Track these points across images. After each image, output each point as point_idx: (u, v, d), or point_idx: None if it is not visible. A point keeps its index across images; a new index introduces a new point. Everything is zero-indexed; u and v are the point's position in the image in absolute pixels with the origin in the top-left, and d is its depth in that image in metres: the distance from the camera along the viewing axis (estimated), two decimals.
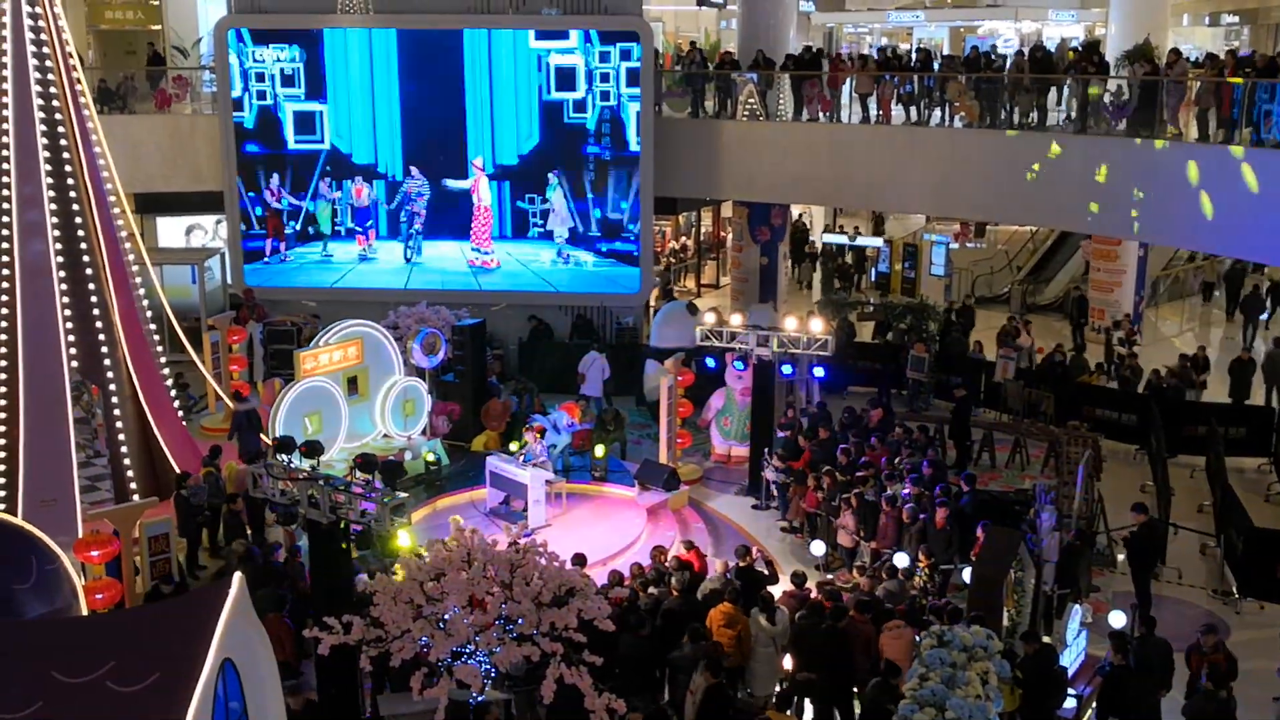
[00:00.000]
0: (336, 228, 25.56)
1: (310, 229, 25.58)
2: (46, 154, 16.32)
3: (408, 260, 25.64)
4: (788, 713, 11.84)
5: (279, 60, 24.72)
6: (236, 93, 24.82)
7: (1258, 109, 19.57)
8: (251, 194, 25.32)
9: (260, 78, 24.80)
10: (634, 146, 24.72)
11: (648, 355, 23.67)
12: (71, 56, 16.87)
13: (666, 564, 14.92)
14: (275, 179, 25.30)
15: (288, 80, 24.81)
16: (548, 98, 24.72)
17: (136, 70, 27.77)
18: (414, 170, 25.34)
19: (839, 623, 12.93)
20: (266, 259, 25.60)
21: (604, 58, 24.46)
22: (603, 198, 25.13)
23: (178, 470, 17.14)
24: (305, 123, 25.04)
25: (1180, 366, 22.64)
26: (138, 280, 17.95)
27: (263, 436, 19.33)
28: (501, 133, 25.03)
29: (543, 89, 24.70)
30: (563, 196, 25.22)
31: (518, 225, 25.46)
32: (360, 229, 25.57)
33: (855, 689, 12.72)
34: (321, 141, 25.14)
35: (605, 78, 24.55)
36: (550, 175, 25.19)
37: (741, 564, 14.71)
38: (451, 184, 25.32)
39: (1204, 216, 19.91)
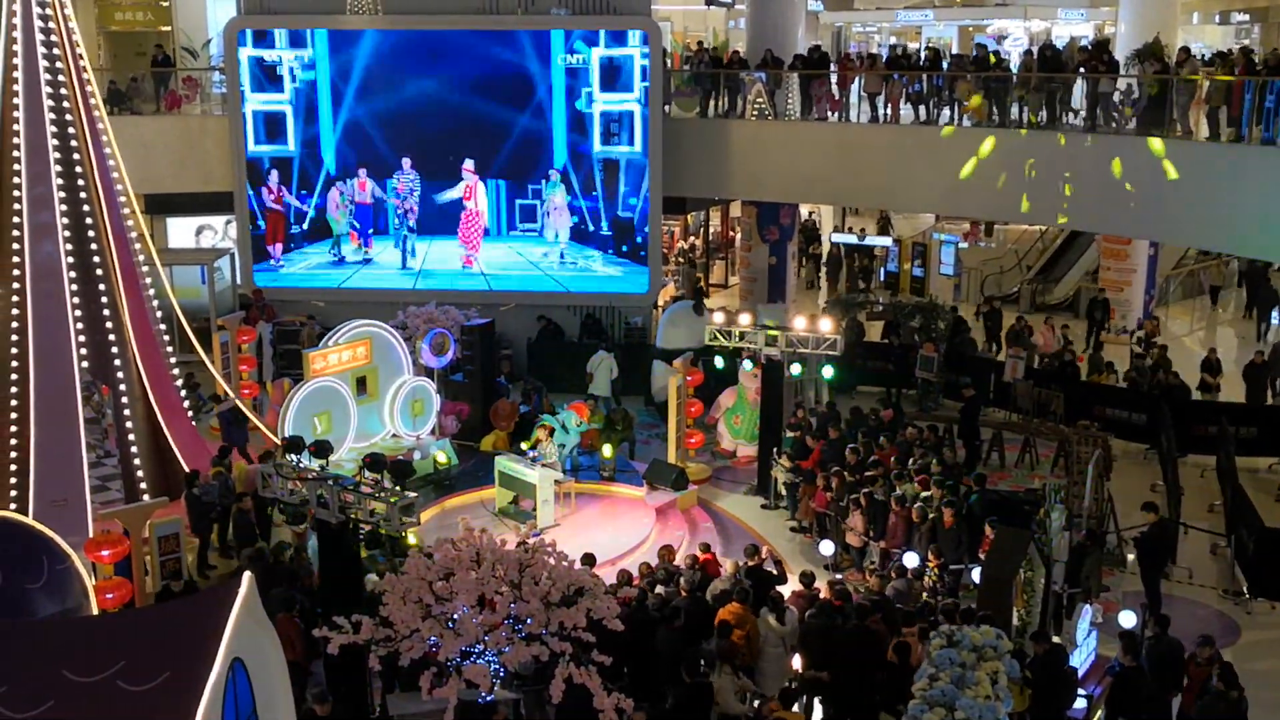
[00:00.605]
0: (351, 226, 25.61)
1: (315, 224, 25.63)
2: (57, 155, 16.37)
3: (405, 266, 25.62)
4: (794, 709, 11.80)
5: (288, 60, 24.77)
6: (246, 91, 24.90)
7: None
8: (261, 201, 25.40)
9: (270, 77, 24.84)
10: (643, 145, 24.70)
11: (655, 356, 23.68)
12: (82, 58, 16.90)
13: (680, 563, 14.93)
14: (274, 175, 25.29)
15: (295, 78, 24.85)
16: (560, 96, 24.79)
17: (143, 72, 27.79)
18: (405, 164, 25.26)
19: (865, 621, 12.91)
20: (272, 261, 25.66)
21: (615, 56, 24.47)
22: (613, 197, 25.11)
23: (187, 470, 17.17)
24: (315, 118, 25.10)
25: (1160, 356, 22.56)
26: (148, 281, 17.99)
27: (257, 421, 19.42)
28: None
29: (555, 87, 24.76)
30: (563, 196, 25.19)
31: (526, 221, 25.50)
32: (358, 227, 25.56)
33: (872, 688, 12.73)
34: (331, 138, 25.16)
35: (615, 76, 24.53)
36: (551, 172, 25.18)
37: (750, 564, 14.71)
38: (444, 196, 25.34)
39: (1225, 215, 19.83)
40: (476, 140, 25.04)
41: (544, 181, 25.22)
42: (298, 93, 24.91)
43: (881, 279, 33.86)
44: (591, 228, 25.27)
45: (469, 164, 25.14)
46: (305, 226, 25.57)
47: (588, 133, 24.86)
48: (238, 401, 19.78)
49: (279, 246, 25.60)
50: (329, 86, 24.90)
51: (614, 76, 24.55)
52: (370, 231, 25.59)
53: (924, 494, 16.29)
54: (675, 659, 12.29)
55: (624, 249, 25.27)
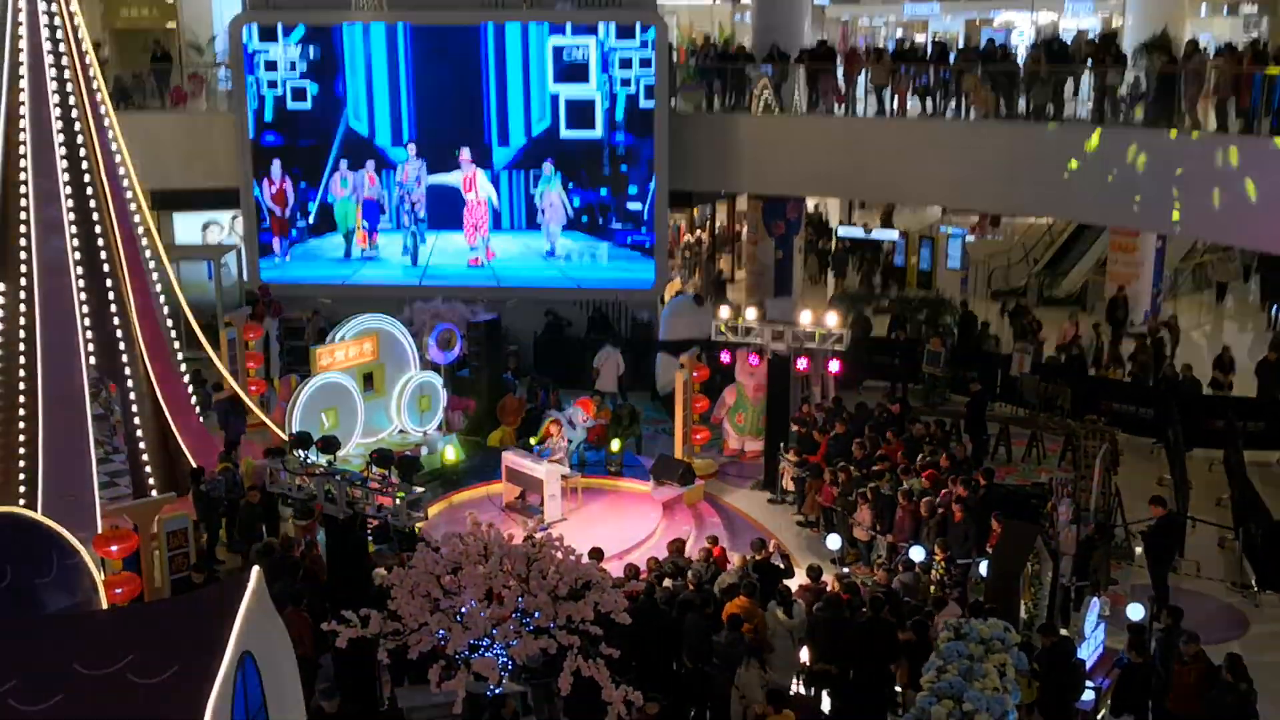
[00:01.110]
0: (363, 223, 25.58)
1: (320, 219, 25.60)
2: (64, 151, 16.37)
3: (414, 264, 25.58)
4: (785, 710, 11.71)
5: (292, 54, 24.76)
6: (253, 77, 24.90)
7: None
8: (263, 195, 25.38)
9: (272, 67, 24.82)
10: (650, 137, 24.66)
11: (658, 349, 23.70)
12: (88, 54, 16.92)
13: (692, 557, 14.94)
14: (277, 165, 25.18)
15: (301, 73, 24.84)
16: (563, 84, 24.70)
17: (142, 68, 27.78)
18: (410, 150, 25.15)
19: (879, 613, 12.92)
20: (277, 258, 25.67)
21: (624, 39, 24.36)
22: (620, 189, 25.05)
23: (194, 465, 17.21)
24: (320, 112, 25.08)
25: (1141, 344, 22.45)
26: (155, 277, 17.99)
27: (259, 412, 19.42)
28: (519, 123, 24.98)
29: (560, 75, 24.65)
30: (558, 192, 25.11)
31: (530, 215, 25.39)
32: (367, 226, 25.51)
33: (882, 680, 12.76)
34: (336, 132, 25.14)
35: (626, 63, 24.47)
36: (545, 165, 25.07)
37: (758, 558, 14.72)
38: (439, 179, 25.26)
39: (1237, 208, 19.70)
40: (482, 131, 25.00)
41: (540, 175, 25.13)
42: (303, 84, 24.92)
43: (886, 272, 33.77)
44: (601, 221, 25.22)
45: (465, 153, 25.04)
46: (311, 220, 25.55)
47: (593, 124, 24.81)
48: (238, 390, 19.83)
49: (284, 241, 25.60)
50: (337, 77, 24.91)
51: (619, 69, 24.50)
52: (379, 225, 25.55)
53: (948, 490, 16.17)
54: (700, 645, 12.36)
55: (631, 241, 25.24)
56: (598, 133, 24.81)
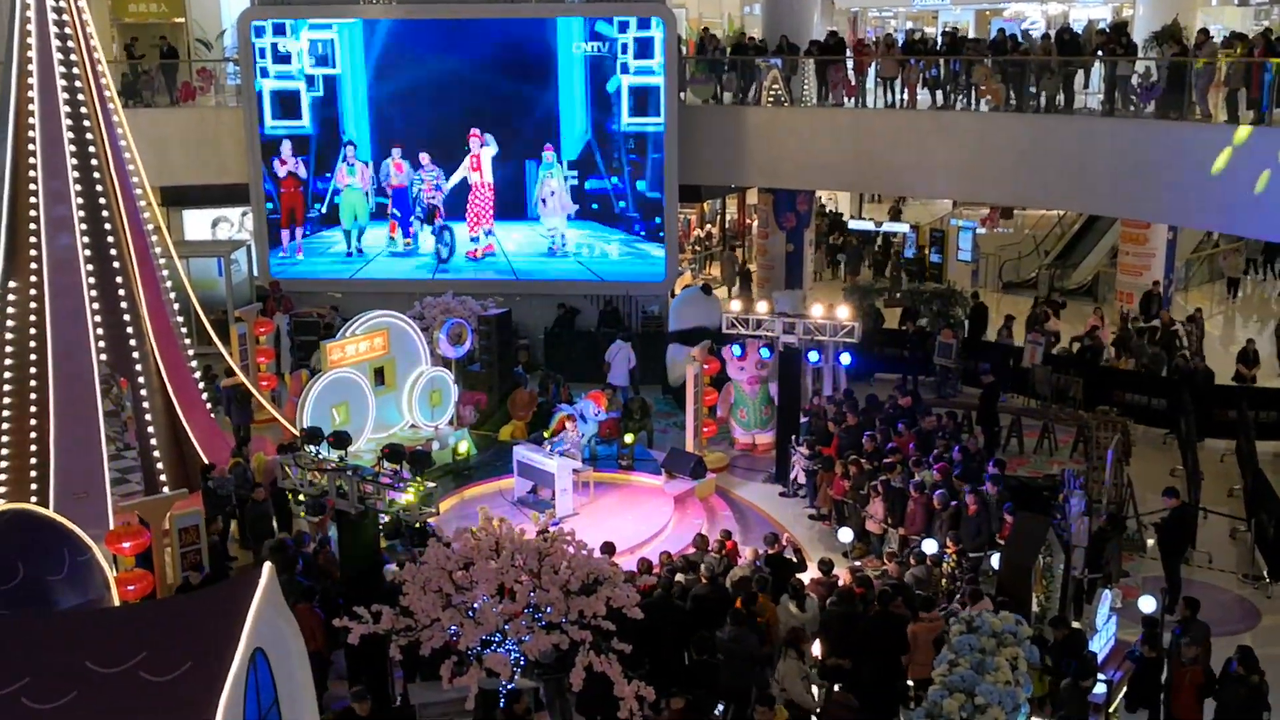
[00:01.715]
0: (390, 214, 25.45)
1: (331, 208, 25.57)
2: (73, 149, 16.41)
3: (443, 261, 25.47)
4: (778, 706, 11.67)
5: (302, 49, 24.74)
6: (262, 65, 24.86)
7: None
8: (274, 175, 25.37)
9: (283, 59, 24.81)
10: (660, 130, 24.60)
11: (670, 340, 23.68)
12: (96, 50, 16.93)
13: (711, 551, 14.93)
14: (287, 146, 25.08)
15: (310, 67, 24.83)
16: (578, 77, 24.69)
17: (150, 64, 27.78)
18: (424, 159, 25.08)
19: (890, 605, 12.89)
20: (284, 250, 25.64)
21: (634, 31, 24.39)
22: (631, 180, 24.98)
23: (205, 461, 17.25)
24: (328, 108, 25.08)
25: (1126, 331, 22.59)
26: (165, 273, 18.03)
27: (265, 402, 19.41)
28: (533, 116, 24.97)
29: (583, 65, 24.65)
30: (560, 180, 25.00)
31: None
32: (398, 216, 25.39)
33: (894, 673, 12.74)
34: (343, 128, 25.12)
35: (638, 54, 24.40)
36: (546, 154, 24.95)
37: (770, 551, 14.70)
38: (450, 183, 25.16)
39: (1245, 199, 19.49)
40: (496, 123, 24.94)
41: (539, 162, 24.96)
42: (311, 79, 24.90)
43: (900, 265, 33.64)
44: (619, 208, 25.09)
45: (475, 131, 24.86)
46: (324, 209, 25.53)
47: (613, 111, 24.70)
48: (248, 384, 19.85)
49: (297, 231, 25.52)
50: (345, 71, 24.87)
51: (632, 58, 24.45)
52: (412, 218, 25.45)
53: (980, 487, 16.07)
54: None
55: (644, 233, 25.18)
56: (611, 124, 24.75)
